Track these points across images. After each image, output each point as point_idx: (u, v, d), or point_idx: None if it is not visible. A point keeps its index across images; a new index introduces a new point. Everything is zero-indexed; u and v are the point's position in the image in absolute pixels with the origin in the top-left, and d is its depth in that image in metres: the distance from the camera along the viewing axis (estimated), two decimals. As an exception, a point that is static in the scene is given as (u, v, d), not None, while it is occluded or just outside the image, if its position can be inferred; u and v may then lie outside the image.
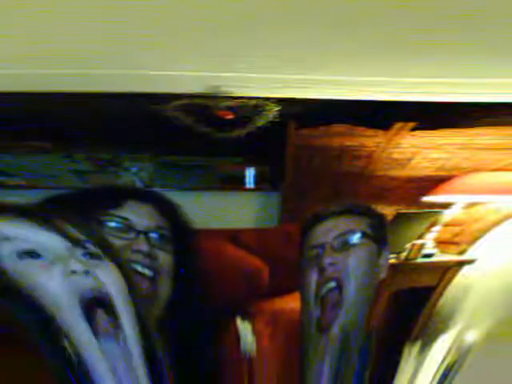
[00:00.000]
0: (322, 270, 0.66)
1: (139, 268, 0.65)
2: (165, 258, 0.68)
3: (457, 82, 0.69)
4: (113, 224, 0.66)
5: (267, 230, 1.03)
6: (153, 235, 0.68)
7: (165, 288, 0.67)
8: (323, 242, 0.68)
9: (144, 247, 0.66)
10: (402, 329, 0.81)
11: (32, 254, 0.49)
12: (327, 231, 0.69)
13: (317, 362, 0.67)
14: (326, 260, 0.66)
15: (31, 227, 0.50)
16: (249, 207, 1.06)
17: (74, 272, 0.50)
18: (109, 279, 0.53)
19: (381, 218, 0.73)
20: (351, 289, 0.66)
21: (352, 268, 0.67)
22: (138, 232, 0.67)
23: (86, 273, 0.51)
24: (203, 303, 0.70)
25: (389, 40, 0.57)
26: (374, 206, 0.78)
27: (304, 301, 0.68)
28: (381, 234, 0.71)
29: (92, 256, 0.52)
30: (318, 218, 0.71)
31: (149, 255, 0.66)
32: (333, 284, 0.66)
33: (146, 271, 0.65)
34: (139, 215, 0.68)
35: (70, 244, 0.51)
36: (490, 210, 1.02)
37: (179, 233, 0.71)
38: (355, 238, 0.68)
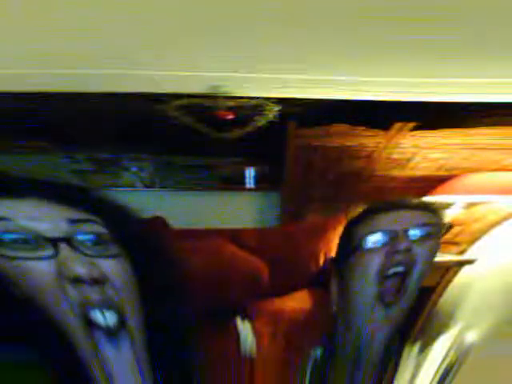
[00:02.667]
0: (393, 253, 0.67)
1: (99, 316, 0.43)
2: (116, 268, 0.46)
3: (457, 82, 0.69)
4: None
5: (267, 229, 1.03)
6: (82, 237, 0.45)
7: (137, 319, 0.46)
8: (396, 228, 0.68)
9: (80, 269, 0.42)
10: (402, 329, 0.81)
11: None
12: (400, 220, 0.70)
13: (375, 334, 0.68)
14: (402, 245, 0.67)
15: None
16: (249, 207, 1.06)
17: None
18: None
19: (442, 216, 0.76)
20: (414, 278, 0.68)
21: (421, 259, 0.68)
22: (53, 240, 0.43)
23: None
24: (185, 309, 0.53)
25: (389, 40, 0.57)
26: (438, 205, 0.81)
27: (359, 280, 0.70)
28: (442, 232, 0.74)
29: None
30: (384, 208, 0.73)
31: (95, 280, 0.43)
32: (400, 269, 0.67)
33: (109, 317, 0.43)
34: (32, 215, 0.44)
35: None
36: (490, 210, 1.02)
37: (121, 226, 0.49)
38: (428, 232, 0.69)
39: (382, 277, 0.67)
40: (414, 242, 0.68)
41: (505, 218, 1.00)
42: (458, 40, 0.56)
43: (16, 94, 0.69)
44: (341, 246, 0.76)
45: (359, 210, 0.75)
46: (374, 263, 0.68)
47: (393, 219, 0.71)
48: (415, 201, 0.75)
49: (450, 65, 0.64)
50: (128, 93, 0.71)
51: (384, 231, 0.69)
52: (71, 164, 0.92)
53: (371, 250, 0.69)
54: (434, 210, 0.74)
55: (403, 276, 0.68)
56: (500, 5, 0.49)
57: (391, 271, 0.67)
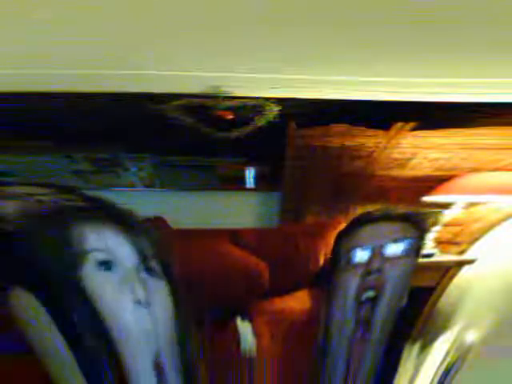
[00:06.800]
0: (366, 274, 0.63)
1: None
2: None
3: (457, 82, 0.69)
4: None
5: (267, 229, 1.03)
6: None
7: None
8: (373, 244, 0.64)
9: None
10: (402, 329, 0.81)
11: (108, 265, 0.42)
12: (378, 234, 0.66)
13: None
14: (374, 264, 0.63)
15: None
16: (249, 207, 1.06)
17: (138, 302, 0.43)
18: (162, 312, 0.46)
19: (425, 228, 0.69)
20: (384, 303, 0.65)
21: (393, 281, 0.64)
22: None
23: (148, 304, 0.43)
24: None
25: (389, 40, 0.57)
26: (421, 213, 0.75)
27: (337, 301, 0.65)
28: (422, 245, 0.68)
29: (152, 275, 0.44)
30: (368, 219, 0.68)
31: None
32: (370, 294, 0.64)
33: None
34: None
35: (138, 259, 0.44)
36: (490, 210, 1.02)
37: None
38: (405, 247, 0.65)
39: (358, 302, 0.64)
40: (387, 260, 0.64)
41: (505, 218, 1.00)
42: (458, 40, 0.56)
43: (16, 94, 0.69)
44: (330, 260, 0.72)
45: (351, 218, 0.70)
46: (351, 284, 0.64)
47: (374, 232, 0.66)
48: (400, 211, 0.69)
49: (450, 65, 0.65)
50: (128, 93, 0.71)
51: (362, 247, 0.65)
52: (71, 164, 0.92)
53: (350, 269, 0.65)
54: (418, 222, 0.69)
55: (373, 303, 0.64)
56: (500, 4, 0.49)
57: (364, 296, 0.64)
